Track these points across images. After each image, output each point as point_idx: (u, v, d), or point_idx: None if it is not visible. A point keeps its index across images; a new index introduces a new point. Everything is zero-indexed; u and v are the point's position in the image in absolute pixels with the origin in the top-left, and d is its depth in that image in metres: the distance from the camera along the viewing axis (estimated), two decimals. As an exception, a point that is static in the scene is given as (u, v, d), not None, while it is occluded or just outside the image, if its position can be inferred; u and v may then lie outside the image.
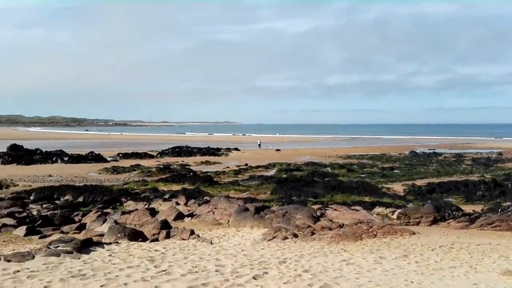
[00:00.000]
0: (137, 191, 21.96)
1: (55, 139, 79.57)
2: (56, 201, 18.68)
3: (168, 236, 11.18)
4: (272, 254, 9.42)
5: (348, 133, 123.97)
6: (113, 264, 8.24)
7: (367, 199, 19.81)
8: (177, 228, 11.94)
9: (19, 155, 38.12)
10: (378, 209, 16.80)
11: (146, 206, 16.61)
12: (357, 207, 16.57)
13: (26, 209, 16.24)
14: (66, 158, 37.46)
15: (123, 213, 15.19)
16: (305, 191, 21.51)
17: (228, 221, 13.96)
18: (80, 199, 19.01)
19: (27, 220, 13.73)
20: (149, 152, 44.90)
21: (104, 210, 15.58)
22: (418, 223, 14.37)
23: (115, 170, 31.04)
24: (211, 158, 41.91)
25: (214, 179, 26.36)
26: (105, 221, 13.27)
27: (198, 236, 11.19)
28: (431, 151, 53.89)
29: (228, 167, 33.99)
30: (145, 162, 36.78)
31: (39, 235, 11.90)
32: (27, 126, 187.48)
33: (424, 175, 29.92)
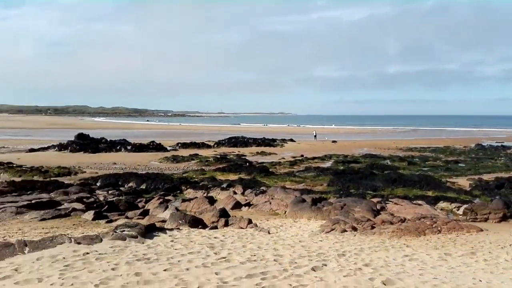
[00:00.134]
0: (196, 179, 22.51)
1: (118, 129, 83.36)
2: (121, 188, 19.59)
3: (226, 224, 11.36)
4: (330, 246, 9.29)
5: (408, 124, 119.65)
6: (175, 249, 8.49)
7: (430, 193, 19.01)
8: (235, 216, 12.10)
9: (85, 143, 40.24)
10: (442, 204, 16.07)
11: (205, 195, 16.98)
12: (420, 202, 15.97)
13: (93, 195, 17.16)
14: (129, 147, 39.08)
15: (183, 200, 15.63)
16: (363, 183, 21.02)
17: (285, 212, 13.96)
18: (143, 186, 19.80)
19: (95, 205, 14.52)
20: (206, 142, 45.87)
21: (166, 198, 16.10)
22: (486, 220, 13.59)
23: (175, 159, 32.04)
24: (267, 149, 42.05)
25: (270, 170, 26.43)
26: (166, 208, 13.75)
27: (256, 225, 11.27)
28: (499, 144, 50.68)
29: (284, 158, 33.97)
30: (202, 152, 37.60)
31: (106, 220, 12.53)
32: (93, 116, 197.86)
33: (492, 170, 28.20)
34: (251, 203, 15.65)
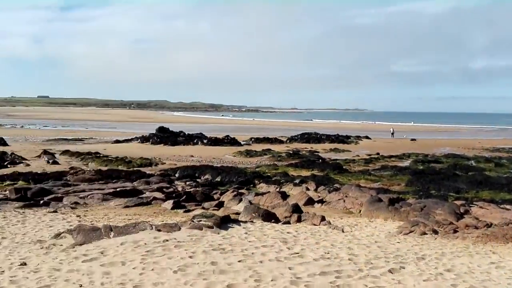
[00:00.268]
0: (269, 174, 22.67)
1: (195, 123, 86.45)
2: (197, 180, 20.29)
3: (299, 220, 11.31)
4: (409, 249, 8.89)
5: (496, 123, 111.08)
6: (249, 241, 8.62)
7: (519, 197, 17.48)
8: (308, 213, 12.01)
9: (165, 136, 42.21)
10: (534, 210, 14.69)
11: (278, 189, 17.04)
12: (508, 206, 14.72)
13: (172, 185, 17.95)
14: (205, 141, 40.36)
15: (256, 194, 15.82)
16: (445, 185, 19.84)
17: (360, 211, 13.59)
18: (218, 179, 20.35)
19: (173, 195, 15.17)
20: (279, 138, 46.02)
21: (239, 191, 16.40)
22: None
23: (248, 153, 32.55)
24: (340, 146, 41.25)
25: (344, 167, 25.89)
26: (240, 200, 14.01)
27: (329, 222, 11.10)
28: None
29: (358, 156, 33.11)
30: (275, 147, 37.79)
31: (184, 209, 13.05)
32: (172, 111, 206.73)
33: None
34: (324, 200, 15.45)
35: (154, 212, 12.69)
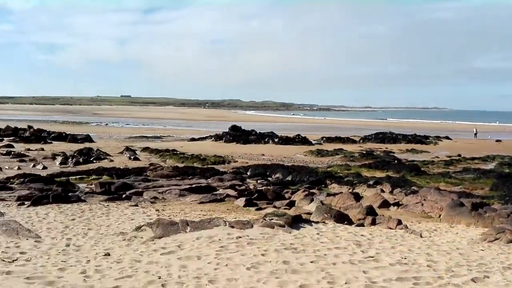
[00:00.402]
0: (340, 174, 22.27)
1: (266, 122, 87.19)
2: (269, 178, 20.46)
3: (373, 222, 10.97)
4: (494, 257, 8.27)
5: None
6: (321, 242, 8.52)
7: None
8: (383, 216, 11.60)
9: (238, 135, 43.08)
10: None
11: (350, 190, 16.67)
12: None
13: (244, 183, 18.27)
14: (276, 140, 40.61)
15: (328, 194, 15.61)
16: (535, 190, 18.22)
17: (439, 215, 12.89)
18: (289, 178, 20.37)
19: (246, 192, 15.43)
20: (351, 137, 45.04)
21: (311, 190, 16.28)
22: None
23: (319, 153, 32.20)
24: (418, 146, 39.43)
25: (422, 169, 24.71)
26: (312, 200, 13.88)
27: (406, 227, 10.64)
28: None
29: (438, 157, 31.47)
30: (347, 147, 37.03)
31: (255, 207, 13.21)
32: (244, 110, 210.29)
33: None
34: (400, 203, 14.85)
35: (227, 209, 12.97)
